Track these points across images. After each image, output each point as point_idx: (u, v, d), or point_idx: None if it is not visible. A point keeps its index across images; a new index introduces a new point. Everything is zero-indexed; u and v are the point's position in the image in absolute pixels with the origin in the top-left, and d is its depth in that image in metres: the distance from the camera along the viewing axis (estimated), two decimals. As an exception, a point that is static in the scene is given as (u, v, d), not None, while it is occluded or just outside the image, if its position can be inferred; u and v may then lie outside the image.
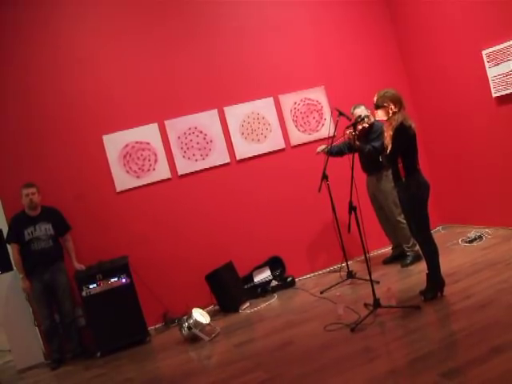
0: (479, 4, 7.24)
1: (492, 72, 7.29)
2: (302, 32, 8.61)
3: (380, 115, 5.93)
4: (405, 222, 6.55)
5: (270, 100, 8.39)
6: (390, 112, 5.80)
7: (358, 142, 7.16)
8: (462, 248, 7.61)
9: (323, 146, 7.44)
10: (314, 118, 8.56)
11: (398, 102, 5.80)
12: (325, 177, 7.34)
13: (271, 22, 8.48)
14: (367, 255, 5.92)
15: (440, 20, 8.03)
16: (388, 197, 7.35)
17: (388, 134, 5.80)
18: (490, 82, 7.35)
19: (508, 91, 7.13)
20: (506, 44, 6.95)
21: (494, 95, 7.37)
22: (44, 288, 6.92)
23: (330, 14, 8.75)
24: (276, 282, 8.03)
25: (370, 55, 8.90)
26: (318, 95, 8.60)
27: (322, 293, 7.24)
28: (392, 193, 6.96)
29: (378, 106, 5.91)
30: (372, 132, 7.36)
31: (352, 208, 5.85)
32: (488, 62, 7.30)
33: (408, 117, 5.80)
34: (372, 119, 7.38)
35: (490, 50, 7.21)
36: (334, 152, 7.42)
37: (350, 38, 8.83)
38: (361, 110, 7.41)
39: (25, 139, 7.39)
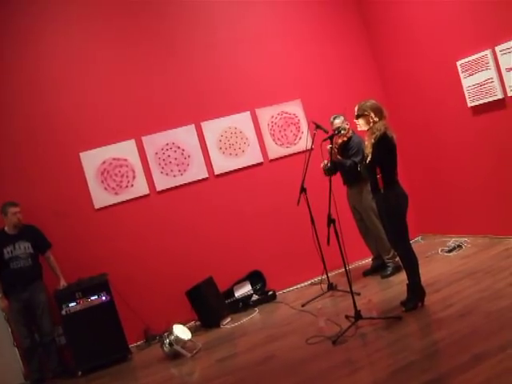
0: (453, 15, 7.31)
1: (467, 82, 7.36)
2: (277, 45, 8.64)
3: (361, 124, 5.96)
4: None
5: (247, 114, 8.40)
6: (371, 121, 5.83)
7: (339, 157, 7.20)
8: (441, 257, 7.64)
9: (324, 162, 7.27)
10: (291, 131, 8.58)
11: (378, 112, 5.84)
12: (303, 190, 7.35)
13: (246, 36, 8.51)
14: (347, 267, 5.92)
15: (415, 32, 8.10)
16: (369, 209, 7.35)
17: (369, 143, 5.82)
18: (465, 92, 7.42)
19: (483, 101, 7.20)
20: (479, 54, 7.02)
21: (469, 105, 7.44)
22: (23, 307, 6.84)
23: (304, 28, 8.79)
24: (257, 296, 8.01)
25: (345, 68, 8.95)
26: (295, 108, 8.62)
27: (303, 306, 7.23)
28: (373, 205, 6.96)
29: (358, 116, 5.95)
30: (350, 147, 7.39)
31: (331, 220, 5.86)
32: (462, 72, 7.36)
33: (390, 127, 5.83)
34: (350, 132, 7.40)
35: (465, 60, 7.28)
36: (332, 170, 7.26)
37: (326, 50, 8.86)
38: (340, 121, 7.42)
39: (1, 157, 7.34)
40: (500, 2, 6.60)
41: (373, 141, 5.77)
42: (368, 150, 5.84)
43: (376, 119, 5.82)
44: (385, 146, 5.74)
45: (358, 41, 9.11)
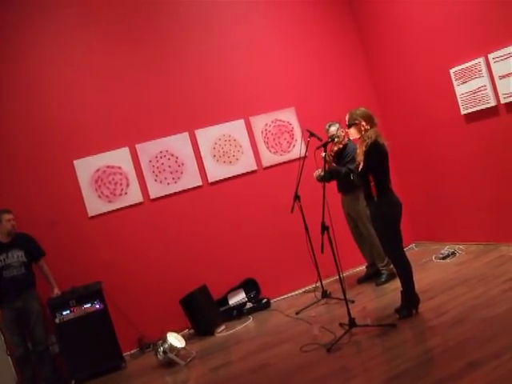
0: (446, 23, 7.35)
1: (460, 90, 7.39)
2: (271, 54, 8.66)
3: (353, 133, 5.97)
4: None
5: (241, 122, 8.40)
6: (362, 129, 5.84)
7: (334, 164, 7.21)
8: (435, 265, 7.64)
9: (318, 172, 7.29)
10: (285, 139, 8.59)
11: (368, 119, 5.85)
12: (297, 197, 7.35)
13: (240, 44, 8.51)
14: (341, 275, 5.92)
15: (408, 39, 8.14)
16: (364, 216, 7.33)
17: (361, 151, 5.83)
18: (459, 100, 7.45)
19: (476, 109, 7.22)
20: (472, 62, 7.05)
21: (462, 113, 7.46)
22: (16, 316, 6.80)
23: (298, 35, 8.82)
24: (251, 304, 7.99)
25: (338, 75, 8.97)
26: (289, 116, 8.63)
27: (297, 314, 7.22)
28: (368, 212, 6.95)
29: (350, 125, 5.96)
30: (346, 154, 7.38)
31: (324, 228, 5.85)
32: (456, 80, 7.39)
33: (381, 135, 5.84)
34: (346, 140, 7.40)
35: (458, 68, 7.31)
36: (327, 178, 7.28)
37: (319, 58, 8.89)
38: (335, 129, 7.42)
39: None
40: (493, 10, 6.64)
41: (364, 149, 5.78)
42: (360, 158, 5.85)
43: (367, 127, 5.83)
44: (376, 153, 5.75)
45: (352, 49, 9.14)
